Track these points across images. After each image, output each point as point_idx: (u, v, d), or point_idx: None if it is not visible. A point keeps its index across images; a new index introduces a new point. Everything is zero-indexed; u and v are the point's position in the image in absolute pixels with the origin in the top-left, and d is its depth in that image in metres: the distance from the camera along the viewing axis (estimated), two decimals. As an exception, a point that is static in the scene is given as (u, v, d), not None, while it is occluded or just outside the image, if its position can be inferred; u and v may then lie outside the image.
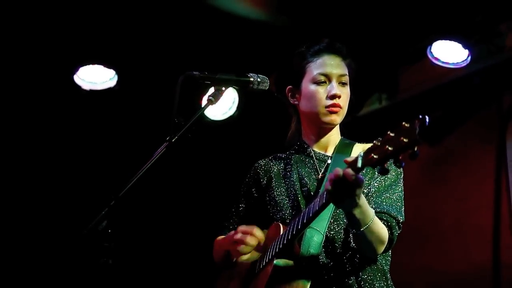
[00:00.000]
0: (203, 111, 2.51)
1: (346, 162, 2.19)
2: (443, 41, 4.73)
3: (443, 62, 4.87)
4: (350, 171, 2.15)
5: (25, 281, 5.21)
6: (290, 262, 2.49)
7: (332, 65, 2.73)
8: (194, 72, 2.50)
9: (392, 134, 2.01)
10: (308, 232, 2.52)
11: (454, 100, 5.33)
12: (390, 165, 2.35)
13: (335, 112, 2.69)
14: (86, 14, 4.66)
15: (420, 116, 1.93)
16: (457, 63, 4.85)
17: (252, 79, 2.60)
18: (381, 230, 2.45)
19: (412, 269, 5.11)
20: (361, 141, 2.82)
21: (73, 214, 4.86)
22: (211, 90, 2.59)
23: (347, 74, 2.75)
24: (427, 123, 1.91)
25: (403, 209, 2.62)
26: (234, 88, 2.68)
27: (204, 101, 4.57)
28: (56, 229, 5.18)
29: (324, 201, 2.31)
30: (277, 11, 4.80)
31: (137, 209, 4.75)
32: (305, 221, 2.40)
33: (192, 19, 4.85)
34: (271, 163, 2.91)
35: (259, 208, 2.86)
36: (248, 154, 3.41)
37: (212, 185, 5.81)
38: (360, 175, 2.17)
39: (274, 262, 2.48)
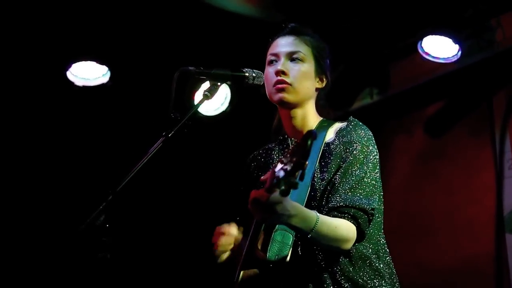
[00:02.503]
0: (200, 106, 2.49)
1: (261, 180, 2.19)
2: (434, 36, 4.75)
3: (433, 57, 4.88)
4: (259, 193, 2.12)
5: (23, 277, 5.20)
6: (257, 270, 2.41)
7: (282, 44, 2.68)
8: (190, 67, 2.49)
9: (288, 155, 1.97)
10: (276, 235, 2.43)
11: (445, 94, 5.36)
12: (349, 154, 2.46)
13: (282, 89, 2.60)
14: (79, 10, 4.66)
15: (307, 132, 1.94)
16: (448, 57, 4.85)
17: (247, 74, 2.60)
18: (335, 229, 2.33)
19: (402, 263, 5.12)
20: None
21: (70, 209, 4.86)
22: (205, 85, 2.58)
23: (301, 50, 2.65)
24: (312, 139, 1.90)
25: (373, 196, 2.46)
26: (227, 84, 2.67)
27: (197, 97, 4.61)
28: (54, 225, 5.18)
29: (255, 221, 2.37)
30: (272, 8, 4.81)
31: (134, 204, 4.76)
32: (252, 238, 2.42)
33: (185, 15, 4.86)
34: (259, 156, 2.88)
35: None
36: (241, 149, 3.42)
37: (207, 180, 5.83)
38: (274, 194, 2.06)
39: (241, 272, 2.41)
